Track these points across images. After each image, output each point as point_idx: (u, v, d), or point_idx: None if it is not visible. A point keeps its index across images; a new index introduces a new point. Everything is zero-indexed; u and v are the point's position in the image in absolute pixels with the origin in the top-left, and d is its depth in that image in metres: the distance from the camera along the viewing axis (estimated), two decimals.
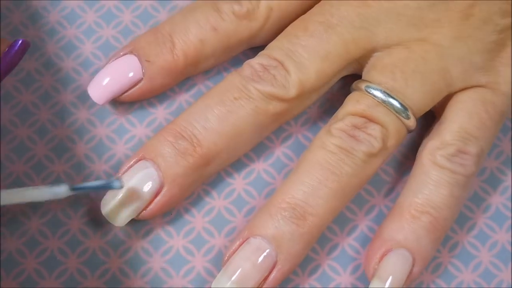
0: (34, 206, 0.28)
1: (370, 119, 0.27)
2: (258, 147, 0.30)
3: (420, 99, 0.27)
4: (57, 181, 0.29)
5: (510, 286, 0.28)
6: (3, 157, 0.29)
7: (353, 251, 0.29)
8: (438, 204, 0.27)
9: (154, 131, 0.30)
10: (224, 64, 0.31)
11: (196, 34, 0.28)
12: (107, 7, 0.31)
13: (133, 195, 0.27)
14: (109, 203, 0.27)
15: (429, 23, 0.27)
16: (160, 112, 0.30)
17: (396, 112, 0.27)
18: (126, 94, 0.29)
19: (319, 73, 0.27)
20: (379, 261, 0.27)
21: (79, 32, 0.31)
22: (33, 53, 0.31)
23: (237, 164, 0.29)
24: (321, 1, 0.29)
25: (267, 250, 0.26)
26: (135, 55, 0.28)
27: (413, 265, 0.26)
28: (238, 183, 0.29)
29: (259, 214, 0.27)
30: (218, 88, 0.28)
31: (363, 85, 0.28)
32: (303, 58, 0.27)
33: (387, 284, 0.26)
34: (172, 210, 0.29)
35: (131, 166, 0.27)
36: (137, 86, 0.29)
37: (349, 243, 0.29)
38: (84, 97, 0.30)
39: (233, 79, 0.28)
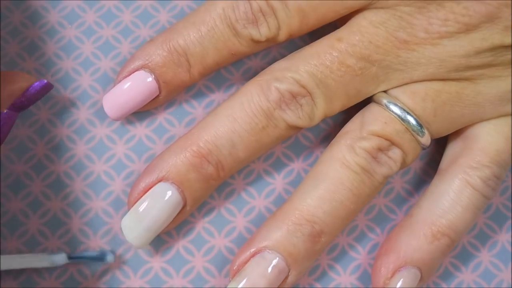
0: (34, 205, 0.28)
1: (394, 144, 0.27)
2: None
3: (444, 129, 0.28)
4: (56, 181, 0.29)
5: (510, 286, 0.28)
6: (3, 157, 0.29)
7: (353, 251, 0.29)
8: (459, 228, 0.27)
9: (154, 131, 0.30)
10: None
11: (214, 59, 0.28)
12: (107, 7, 0.31)
13: (157, 220, 0.26)
14: (132, 228, 0.26)
15: (472, 68, 0.27)
16: (160, 112, 0.30)
17: (413, 131, 0.27)
18: (140, 108, 0.29)
19: (344, 107, 0.27)
20: (391, 276, 0.27)
21: (79, 32, 0.31)
22: (33, 53, 0.31)
23: None
24: (357, 27, 0.27)
25: (283, 267, 0.26)
26: (151, 75, 0.28)
27: (419, 281, 0.27)
28: (238, 183, 0.29)
29: (275, 226, 0.27)
30: (243, 107, 0.27)
31: (384, 100, 0.27)
32: (333, 93, 0.27)
33: None
34: None
35: (152, 185, 0.27)
36: (152, 102, 0.29)
37: (349, 243, 0.29)
38: (84, 97, 0.30)
39: (259, 101, 0.27)
